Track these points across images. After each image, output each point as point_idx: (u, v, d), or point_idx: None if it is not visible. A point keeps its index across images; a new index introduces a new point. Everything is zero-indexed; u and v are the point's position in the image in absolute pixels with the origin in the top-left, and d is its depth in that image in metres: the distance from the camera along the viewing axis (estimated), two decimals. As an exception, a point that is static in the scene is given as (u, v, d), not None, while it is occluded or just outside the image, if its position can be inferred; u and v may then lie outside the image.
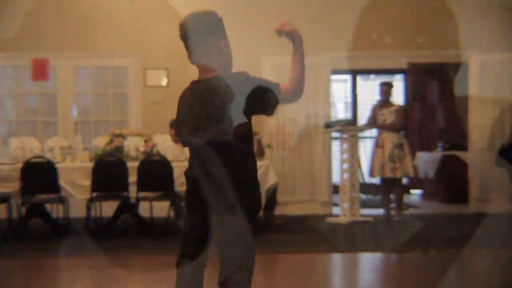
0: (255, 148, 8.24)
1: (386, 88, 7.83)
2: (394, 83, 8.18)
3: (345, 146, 7.80)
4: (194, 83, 2.54)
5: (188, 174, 2.57)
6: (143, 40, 8.45)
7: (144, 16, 8.32)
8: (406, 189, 10.19)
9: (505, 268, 5.19)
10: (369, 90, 11.42)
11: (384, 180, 7.75)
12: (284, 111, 8.48)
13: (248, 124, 2.45)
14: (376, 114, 7.80)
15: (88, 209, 6.61)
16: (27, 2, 8.29)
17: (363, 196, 9.28)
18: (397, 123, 7.62)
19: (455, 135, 10.20)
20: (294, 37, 2.53)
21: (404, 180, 8.65)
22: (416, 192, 10.95)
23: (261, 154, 7.51)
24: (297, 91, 2.52)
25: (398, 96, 10.59)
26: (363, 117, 10.55)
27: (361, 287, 4.83)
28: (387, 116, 7.67)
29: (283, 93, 2.47)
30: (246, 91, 2.38)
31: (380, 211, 8.00)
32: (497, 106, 8.70)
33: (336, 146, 9.08)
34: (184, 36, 2.47)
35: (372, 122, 7.84)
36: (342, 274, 5.38)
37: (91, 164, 6.57)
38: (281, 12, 8.55)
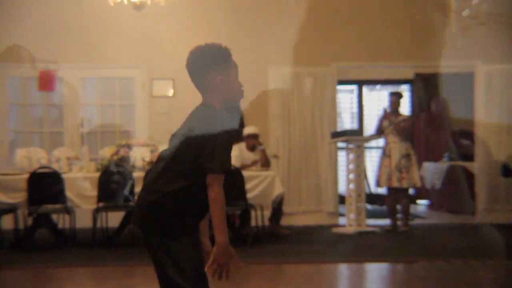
0: (259, 159, 8.11)
1: (396, 98, 7.84)
2: (403, 93, 8.20)
3: (351, 156, 7.79)
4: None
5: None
6: (150, 51, 8.48)
7: (151, 27, 8.35)
8: (413, 199, 10.17)
9: (511, 278, 5.17)
10: (375, 100, 11.44)
11: (391, 190, 7.73)
12: (290, 120, 8.50)
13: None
14: (384, 123, 7.79)
15: (94, 219, 6.62)
16: (35, 14, 8.35)
17: (369, 206, 9.27)
18: (406, 130, 7.61)
19: (461, 146, 10.18)
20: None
21: (411, 190, 8.63)
22: (422, 203, 10.92)
23: (267, 164, 7.50)
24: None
25: (404, 107, 10.59)
26: (369, 127, 10.56)
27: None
28: (396, 126, 7.66)
29: (207, 180, 2.38)
30: (205, 139, 2.40)
31: (386, 222, 7.98)
32: (503, 116, 8.69)
33: (342, 156, 9.07)
34: (187, 67, 2.53)
35: (380, 132, 7.83)
36: (349, 284, 5.35)
37: (97, 175, 6.58)
38: (289, 23, 8.57)
